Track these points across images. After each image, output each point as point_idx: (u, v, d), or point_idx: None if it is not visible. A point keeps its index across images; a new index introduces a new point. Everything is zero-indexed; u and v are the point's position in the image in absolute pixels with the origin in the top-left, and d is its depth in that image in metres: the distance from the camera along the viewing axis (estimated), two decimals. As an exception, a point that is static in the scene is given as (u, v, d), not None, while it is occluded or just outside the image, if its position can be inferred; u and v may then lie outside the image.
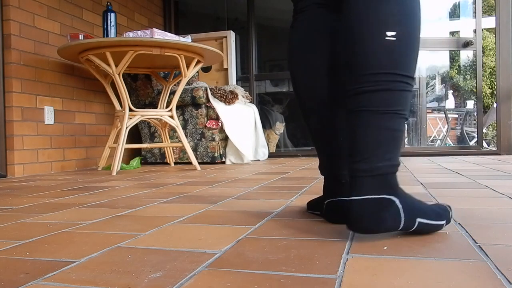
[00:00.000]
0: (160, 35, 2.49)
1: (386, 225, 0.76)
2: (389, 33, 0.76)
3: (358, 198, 0.76)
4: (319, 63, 0.94)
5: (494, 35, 4.40)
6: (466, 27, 5.91)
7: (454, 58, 6.85)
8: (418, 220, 0.78)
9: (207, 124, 3.26)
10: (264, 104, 4.59)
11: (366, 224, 0.76)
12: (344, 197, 0.93)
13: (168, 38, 2.52)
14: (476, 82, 3.83)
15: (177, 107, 3.25)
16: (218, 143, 3.25)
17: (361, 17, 0.78)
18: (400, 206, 0.77)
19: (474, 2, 3.78)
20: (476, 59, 3.84)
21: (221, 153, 3.27)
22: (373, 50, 0.77)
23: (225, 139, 3.32)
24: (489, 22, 5.16)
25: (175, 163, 3.37)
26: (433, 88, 6.49)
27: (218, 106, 3.23)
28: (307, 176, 2.05)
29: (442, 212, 0.82)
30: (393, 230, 0.77)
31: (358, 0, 0.79)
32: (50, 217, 1.10)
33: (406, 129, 4.91)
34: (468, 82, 6.66)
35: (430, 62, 6.12)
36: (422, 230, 0.80)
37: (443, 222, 0.82)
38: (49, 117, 2.77)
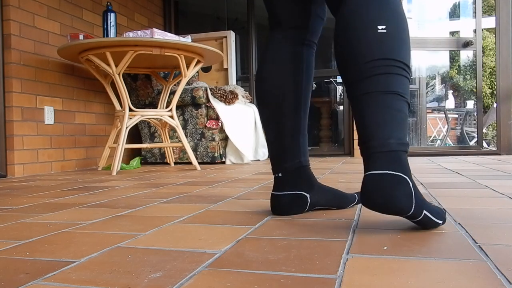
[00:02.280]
0: (160, 35, 2.49)
1: (399, 203, 0.79)
2: (379, 27, 0.84)
3: (375, 172, 0.80)
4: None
5: (494, 35, 4.40)
6: (466, 27, 5.91)
7: (454, 58, 6.85)
8: (425, 212, 0.82)
9: (207, 124, 3.26)
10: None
11: (381, 199, 0.79)
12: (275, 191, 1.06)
13: (168, 38, 2.52)
14: (476, 82, 3.83)
15: (177, 107, 3.25)
16: (218, 143, 3.25)
17: (355, 16, 0.87)
18: (413, 191, 0.80)
19: (474, 2, 3.78)
20: (476, 59, 3.84)
21: (221, 153, 3.27)
22: (368, 41, 0.85)
23: (225, 139, 3.32)
24: (489, 22, 5.17)
25: (175, 163, 3.37)
26: (433, 88, 6.49)
27: (218, 106, 3.23)
28: (307, 176, 2.04)
29: (440, 212, 0.87)
30: (404, 212, 0.80)
31: (352, 4, 0.88)
32: (50, 217, 1.10)
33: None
34: (468, 82, 6.66)
35: (430, 62, 6.12)
36: (423, 224, 0.84)
37: (441, 221, 0.86)
38: (49, 117, 2.77)
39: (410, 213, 0.80)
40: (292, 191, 1.05)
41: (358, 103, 0.85)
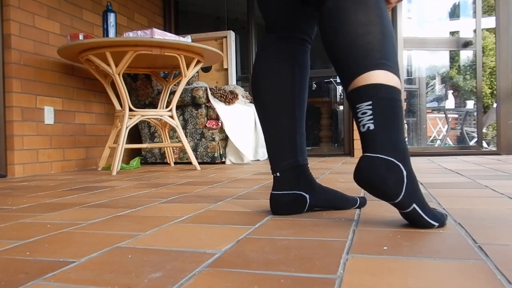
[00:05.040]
0: (160, 35, 2.49)
1: (387, 184, 0.82)
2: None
3: (370, 155, 0.83)
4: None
5: (494, 35, 4.41)
6: (466, 27, 5.91)
7: (454, 58, 6.86)
8: (414, 205, 0.83)
9: (207, 124, 3.26)
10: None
11: (370, 176, 0.82)
12: (276, 191, 1.05)
13: (168, 38, 2.51)
14: (476, 82, 3.83)
15: (177, 107, 3.25)
16: (218, 143, 3.25)
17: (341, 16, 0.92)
18: (405, 177, 0.82)
19: (474, 2, 3.78)
20: (476, 59, 3.84)
21: (221, 153, 3.27)
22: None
23: (225, 139, 3.32)
24: (489, 22, 5.17)
25: (175, 163, 3.37)
26: (433, 88, 6.49)
27: (218, 106, 3.23)
28: (307, 176, 2.04)
29: (438, 215, 0.87)
30: (392, 197, 0.82)
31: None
32: (50, 217, 1.10)
33: (406, 129, 4.90)
34: (468, 82, 6.66)
35: (430, 62, 6.12)
36: (414, 220, 0.85)
37: (436, 223, 0.85)
38: (49, 117, 2.77)
39: (398, 200, 0.82)
40: (291, 190, 1.05)
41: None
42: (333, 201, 1.09)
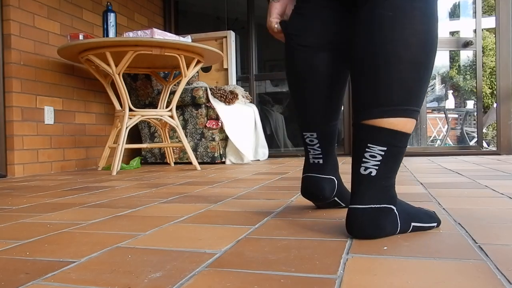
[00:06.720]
0: (160, 35, 2.49)
1: (385, 231, 0.81)
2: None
3: (361, 207, 0.80)
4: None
5: (494, 35, 4.41)
6: (466, 27, 5.91)
7: (454, 58, 6.86)
8: (413, 224, 0.84)
9: (207, 124, 3.26)
10: (264, 104, 4.59)
11: (368, 231, 0.80)
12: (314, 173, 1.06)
13: (168, 38, 2.51)
14: (476, 82, 3.83)
15: (177, 107, 3.25)
16: (218, 143, 3.25)
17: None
18: (397, 213, 0.82)
19: (474, 2, 3.78)
20: (476, 59, 3.84)
21: (221, 153, 3.27)
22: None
23: (225, 139, 3.32)
24: (489, 22, 5.17)
25: (175, 163, 3.37)
26: (433, 88, 6.49)
27: (218, 106, 3.23)
28: (307, 176, 2.04)
29: (433, 215, 0.89)
30: (391, 235, 0.82)
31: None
32: (50, 217, 1.10)
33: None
34: (468, 82, 6.67)
35: (430, 62, 6.10)
36: (416, 231, 0.86)
37: (435, 224, 0.87)
38: (49, 117, 2.77)
39: (397, 232, 0.82)
40: (327, 175, 1.06)
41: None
42: (348, 195, 1.10)
